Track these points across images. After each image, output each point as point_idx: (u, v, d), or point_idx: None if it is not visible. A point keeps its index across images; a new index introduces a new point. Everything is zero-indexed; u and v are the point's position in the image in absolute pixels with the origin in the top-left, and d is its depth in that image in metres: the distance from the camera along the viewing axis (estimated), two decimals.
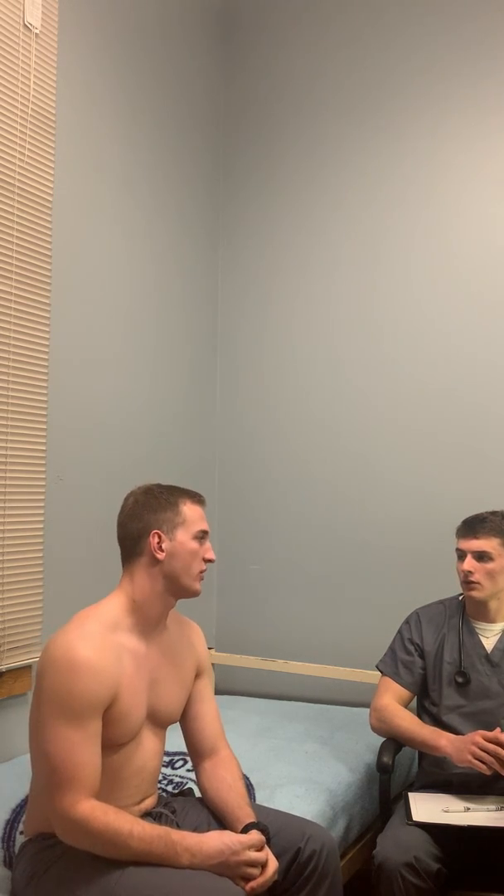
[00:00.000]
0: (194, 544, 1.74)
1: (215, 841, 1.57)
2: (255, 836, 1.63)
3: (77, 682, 1.54)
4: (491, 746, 1.96)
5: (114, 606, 1.70)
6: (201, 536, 1.75)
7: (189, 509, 1.75)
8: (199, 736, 1.85)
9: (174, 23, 3.11)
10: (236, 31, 3.41)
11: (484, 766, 1.96)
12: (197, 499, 1.78)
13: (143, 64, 2.92)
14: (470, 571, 2.16)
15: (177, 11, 3.12)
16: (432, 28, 3.03)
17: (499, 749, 1.95)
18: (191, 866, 1.52)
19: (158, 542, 1.71)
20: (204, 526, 1.76)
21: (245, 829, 1.68)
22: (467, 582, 2.18)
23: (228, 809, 1.75)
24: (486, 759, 1.95)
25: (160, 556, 1.70)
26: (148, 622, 1.73)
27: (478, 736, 1.98)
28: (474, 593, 2.18)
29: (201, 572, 1.76)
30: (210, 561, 1.77)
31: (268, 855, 1.62)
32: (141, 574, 1.72)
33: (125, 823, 1.53)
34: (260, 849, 1.61)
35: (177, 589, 1.74)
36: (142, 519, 1.72)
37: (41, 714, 1.57)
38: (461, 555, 2.21)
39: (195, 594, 1.77)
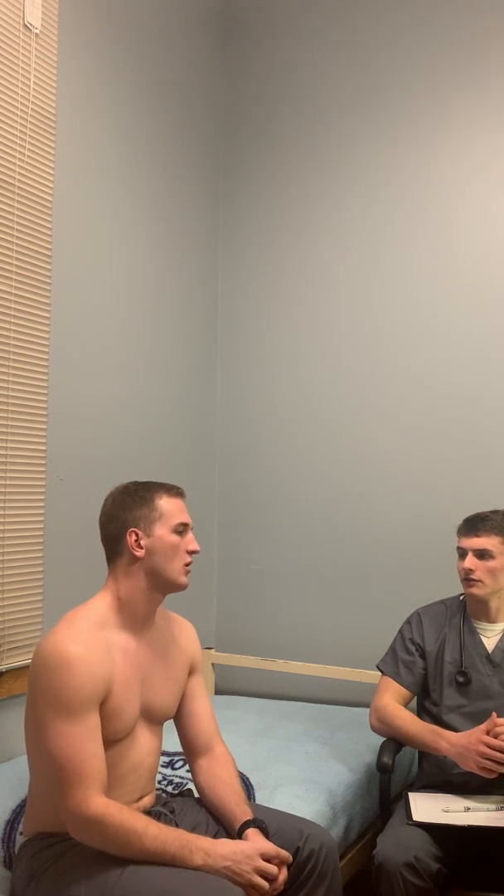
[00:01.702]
0: (174, 538, 1.72)
1: (230, 844, 1.58)
2: (269, 846, 1.62)
3: (71, 678, 1.55)
4: (494, 754, 1.95)
5: (101, 605, 1.71)
6: (181, 529, 1.73)
7: (166, 503, 1.73)
8: (194, 733, 1.86)
9: (175, 23, 3.11)
10: (237, 31, 3.41)
11: (493, 774, 1.96)
12: (174, 491, 1.76)
13: (144, 64, 2.92)
14: (471, 569, 2.16)
15: (177, 11, 3.12)
16: (433, 29, 3.03)
17: (502, 756, 1.95)
18: (203, 866, 1.52)
19: (136, 540, 1.70)
20: (183, 518, 1.74)
21: (242, 827, 1.68)
22: (468, 580, 2.18)
23: (226, 807, 1.75)
24: (491, 766, 1.95)
25: (139, 553, 1.70)
26: (135, 619, 1.73)
27: (481, 745, 1.97)
28: (475, 590, 2.18)
29: (187, 565, 1.74)
30: (194, 552, 1.75)
31: (280, 872, 1.60)
32: (123, 573, 1.72)
33: (140, 821, 1.54)
34: (271, 860, 1.59)
35: (161, 584, 1.73)
36: (118, 519, 1.72)
37: (40, 716, 1.58)
38: (462, 553, 2.21)
39: (182, 588, 1.75)
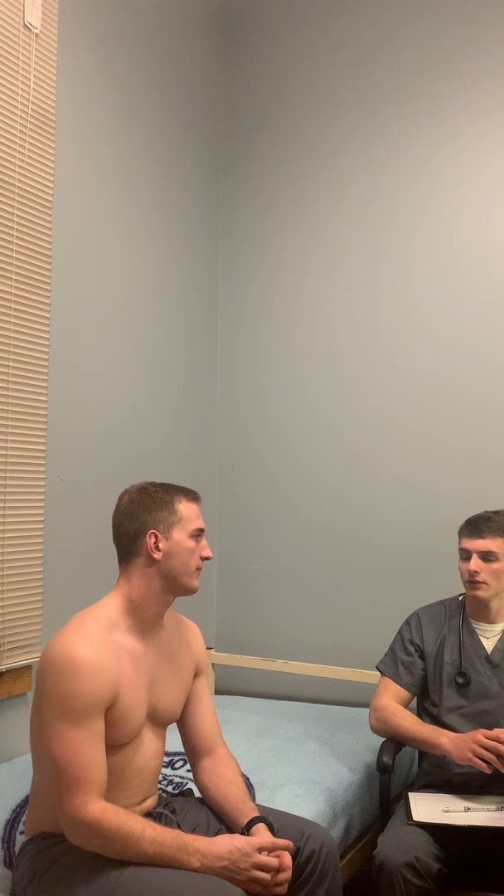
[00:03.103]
0: (191, 543, 1.73)
1: (225, 842, 1.57)
2: (266, 838, 1.62)
3: (78, 683, 1.54)
4: (492, 744, 1.95)
5: (111, 607, 1.70)
6: (198, 535, 1.75)
7: (185, 507, 1.74)
8: (197, 735, 1.85)
9: (174, 22, 3.11)
10: (236, 30, 3.41)
11: (484, 765, 1.95)
12: (192, 496, 1.77)
13: (144, 63, 2.92)
14: (476, 571, 2.15)
15: (177, 10, 3.12)
16: (432, 27, 3.03)
17: (500, 746, 1.95)
18: (201, 868, 1.52)
19: (155, 543, 1.70)
20: (200, 524, 1.75)
21: (250, 824, 1.68)
22: (472, 582, 2.17)
23: (231, 805, 1.75)
24: (487, 756, 1.95)
25: (157, 556, 1.70)
26: (146, 622, 1.73)
27: (479, 734, 1.98)
28: (480, 593, 2.17)
29: (198, 569, 1.75)
30: (207, 558, 1.76)
31: (282, 862, 1.58)
32: (138, 574, 1.72)
33: (137, 825, 1.53)
34: (272, 852, 1.59)
35: (175, 587, 1.73)
36: (137, 519, 1.71)
37: (44, 717, 1.57)
38: (466, 555, 2.20)
39: (193, 591, 1.76)
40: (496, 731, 1.98)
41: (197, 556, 1.74)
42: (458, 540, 2.25)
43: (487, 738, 1.97)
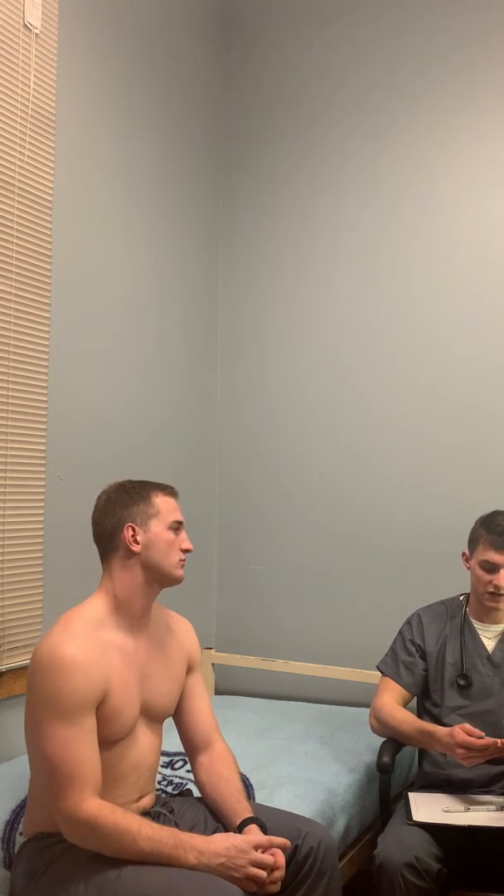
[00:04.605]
0: (170, 534, 1.74)
1: (222, 840, 1.57)
2: (262, 836, 1.62)
3: (66, 681, 1.55)
4: (469, 740, 1.95)
5: (97, 605, 1.71)
6: (176, 527, 1.76)
7: (162, 501, 1.75)
8: (194, 730, 1.86)
9: (174, 22, 3.11)
10: (236, 31, 3.41)
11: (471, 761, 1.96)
12: (169, 490, 1.79)
13: (144, 63, 2.92)
14: (502, 586, 2.13)
15: (177, 11, 3.12)
16: (432, 28, 3.03)
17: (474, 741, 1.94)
18: (198, 865, 1.52)
19: (133, 535, 1.71)
20: (178, 516, 1.77)
21: (242, 824, 1.68)
22: (496, 594, 2.15)
23: (226, 804, 1.75)
24: (471, 754, 1.95)
25: (136, 548, 1.71)
26: (132, 617, 1.74)
27: (459, 749, 1.96)
28: (503, 604, 2.17)
29: (181, 560, 1.76)
30: (187, 551, 1.77)
31: (277, 860, 1.59)
32: (119, 569, 1.73)
33: (133, 822, 1.54)
34: (267, 851, 1.59)
35: (159, 578, 1.74)
36: (115, 514, 1.73)
37: (36, 717, 1.58)
38: (490, 567, 2.14)
39: (178, 581, 1.77)
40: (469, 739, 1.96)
41: (177, 547, 1.75)
42: (469, 542, 2.23)
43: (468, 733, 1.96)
